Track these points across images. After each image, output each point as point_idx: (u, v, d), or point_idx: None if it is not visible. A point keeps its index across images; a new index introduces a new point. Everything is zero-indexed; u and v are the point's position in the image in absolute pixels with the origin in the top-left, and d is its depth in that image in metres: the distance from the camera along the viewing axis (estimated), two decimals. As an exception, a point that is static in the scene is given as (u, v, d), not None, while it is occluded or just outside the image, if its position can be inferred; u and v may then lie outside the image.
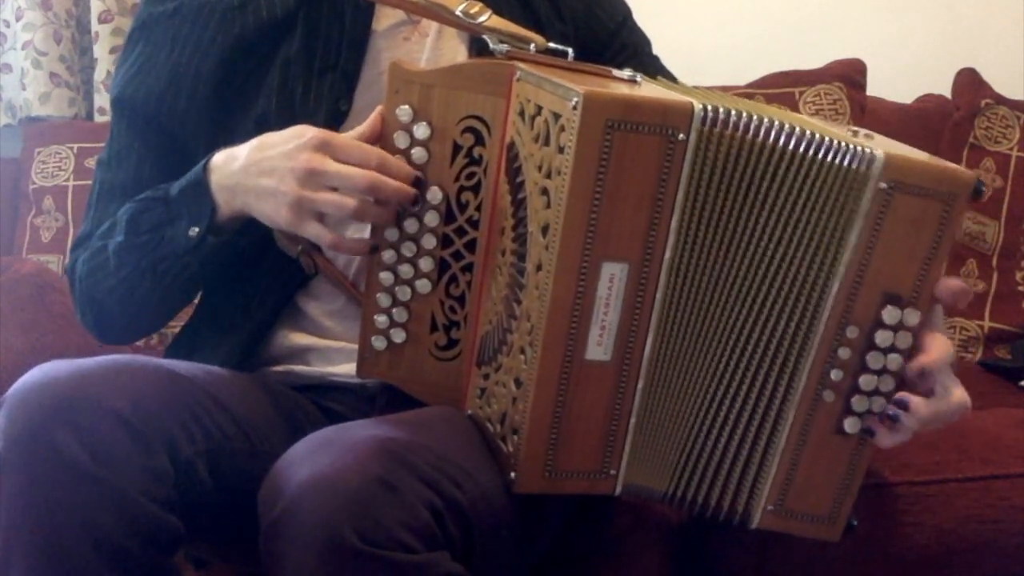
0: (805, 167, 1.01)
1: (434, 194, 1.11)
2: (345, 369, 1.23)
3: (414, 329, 1.15)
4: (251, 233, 1.17)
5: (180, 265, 1.16)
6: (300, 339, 1.25)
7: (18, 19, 2.11)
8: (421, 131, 1.10)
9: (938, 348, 1.04)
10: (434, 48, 1.25)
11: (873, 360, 1.05)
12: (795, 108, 2.00)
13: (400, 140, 1.10)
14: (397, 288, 1.14)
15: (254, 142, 1.11)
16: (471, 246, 1.12)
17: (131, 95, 1.26)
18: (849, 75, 2.05)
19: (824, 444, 1.08)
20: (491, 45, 1.13)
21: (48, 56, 2.11)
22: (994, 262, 2.00)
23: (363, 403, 1.24)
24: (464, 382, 1.15)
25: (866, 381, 1.06)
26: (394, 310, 1.15)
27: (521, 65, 1.08)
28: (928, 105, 2.11)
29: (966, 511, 1.30)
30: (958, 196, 1.02)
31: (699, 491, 1.10)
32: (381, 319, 1.15)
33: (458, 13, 1.17)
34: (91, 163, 1.93)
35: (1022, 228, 2.00)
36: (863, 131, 1.10)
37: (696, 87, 1.19)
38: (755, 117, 1.01)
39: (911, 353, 1.05)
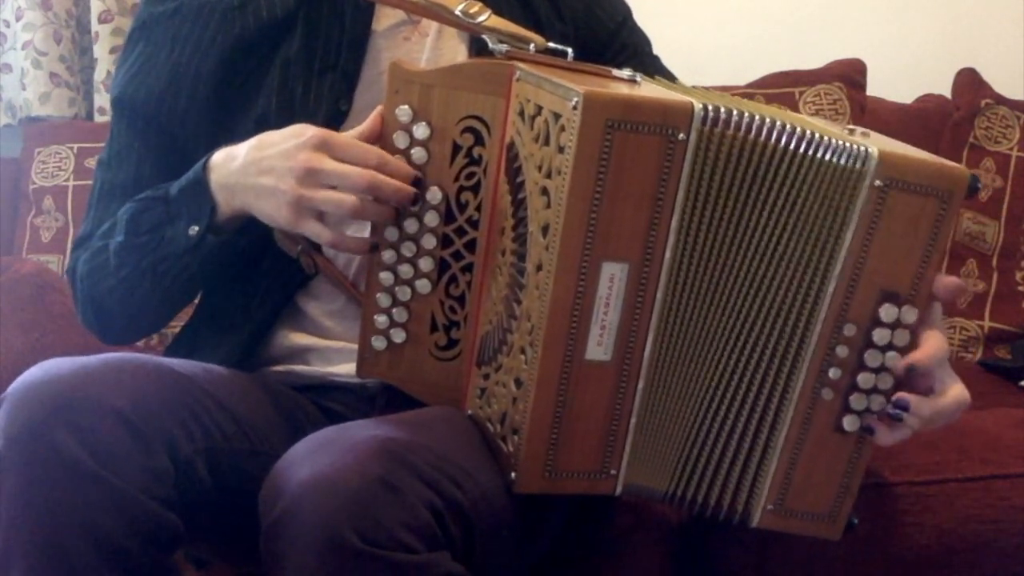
0: (803, 166, 1.02)
1: (434, 194, 1.11)
2: (345, 369, 1.23)
3: (414, 329, 1.15)
4: (251, 232, 1.17)
5: (180, 265, 1.16)
6: (300, 339, 1.25)
7: (18, 19, 2.11)
8: (421, 131, 1.10)
9: (931, 345, 1.04)
10: (434, 48, 1.25)
11: (871, 358, 1.05)
12: (795, 108, 2.00)
13: (400, 140, 1.10)
14: (397, 288, 1.14)
15: (253, 141, 1.11)
16: (471, 246, 1.12)
17: (131, 95, 1.26)
18: (849, 75, 2.05)
19: (823, 442, 1.08)
20: (491, 45, 1.13)
21: (48, 56, 2.11)
22: (994, 262, 2.00)
23: (363, 403, 1.24)
24: (464, 382, 1.15)
25: (864, 379, 1.06)
26: (394, 310, 1.15)
27: (521, 65, 1.08)
28: (928, 105, 2.11)
29: (966, 511, 1.30)
30: (954, 193, 1.02)
31: (699, 490, 1.10)
32: (381, 319, 1.15)
33: (458, 13, 1.17)
34: (91, 163, 1.93)
35: (1022, 228, 2.00)
36: (860, 129, 1.10)
37: (696, 87, 1.19)
38: (755, 117, 1.01)
39: (909, 351, 1.05)
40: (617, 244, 0.99)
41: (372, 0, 1.22)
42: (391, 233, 1.12)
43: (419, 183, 1.09)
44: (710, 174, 1.00)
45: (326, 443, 0.99)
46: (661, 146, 0.98)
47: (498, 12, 1.18)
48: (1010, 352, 1.95)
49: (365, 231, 1.14)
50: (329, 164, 1.06)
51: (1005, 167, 2.02)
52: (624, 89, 1.02)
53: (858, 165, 1.01)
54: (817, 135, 1.02)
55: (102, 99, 2.12)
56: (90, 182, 1.33)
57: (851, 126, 1.13)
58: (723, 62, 2.19)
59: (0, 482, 0.96)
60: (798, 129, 1.01)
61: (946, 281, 1.05)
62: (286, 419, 1.19)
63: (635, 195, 0.99)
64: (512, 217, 1.06)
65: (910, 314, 1.04)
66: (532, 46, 1.14)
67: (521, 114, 1.06)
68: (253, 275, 1.24)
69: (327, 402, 1.26)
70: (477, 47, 1.23)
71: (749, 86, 2.04)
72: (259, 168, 1.09)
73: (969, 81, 2.09)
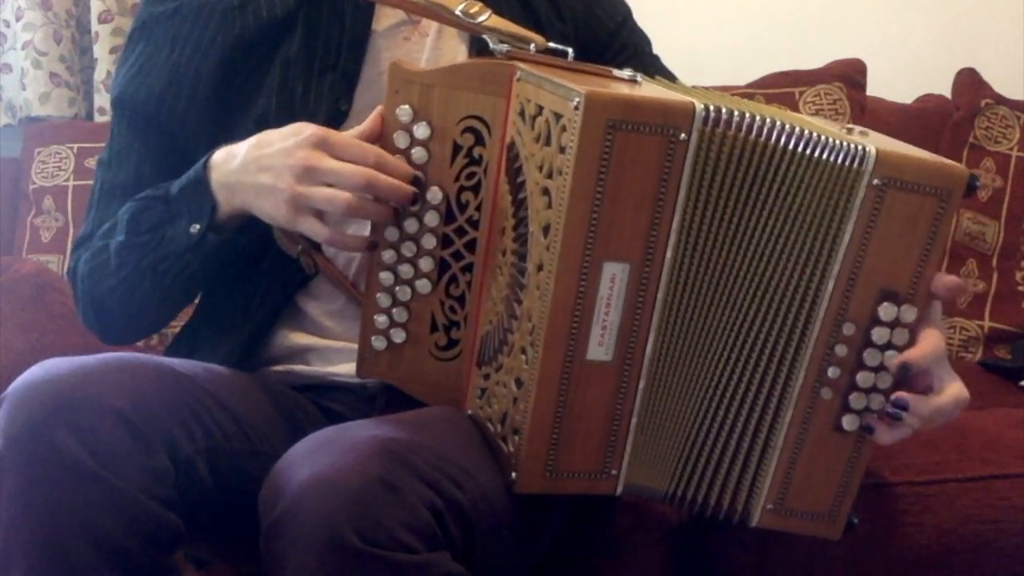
0: (803, 165, 1.02)
1: (434, 194, 1.11)
2: (345, 369, 1.23)
3: (414, 329, 1.15)
4: (251, 232, 1.17)
5: (181, 264, 1.16)
6: (300, 339, 1.25)
7: (18, 19, 2.11)
8: (421, 131, 1.10)
9: (927, 343, 1.04)
10: (434, 48, 1.25)
11: (870, 357, 1.05)
12: (795, 108, 2.00)
13: (400, 140, 1.10)
14: (397, 288, 1.14)
15: (253, 140, 1.11)
16: (471, 246, 1.12)
17: (131, 95, 1.26)
18: (849, 75, 2.05)
19: (823, 442, 1.08)
20: (491, 45, 1.13)
21: (48, 56, 2.10)
22: (994, 262, 2.00)
23: (363, 403, 1.24)
24: (464, 382, 1.15)
25: (863, 378, 1.06)
26: (394, 310, 1.15)
27: (521, 65, 1.08)
28: (928, 105, 2.11)
29: (966, 511, 1.30)
30: (953, 192, 1.02)
31: (699, 490, 1.10)
32: (381, 319, 1.15)
33: (458, 13, 1.17)
34: (91, 163, 1.93)
35: (1022, 228, 2.00)
36: (858, 128, 1.10)
37: (696, 87, 1.19)
38: (755, 117, 1.01)
39: (908, 350, 1.05)
40: (618, 244, 0.99)
41: (372, 0, 1.22)
42: (391, 233, 1.12)
43: (419, 183, 1.09)
44: (711, 174, 1.00)
45: (326, 443, 0.99)
46: (662, 146, 0.98)
47: (498, 12, 1.18)
48: (1010, 352, 1.95)
49: (365, 230, 1.14)
50: (327, 162, 1.06)
51: (1005, 167, 2.02)
52: (625, 89, 1.02)
53: (856, 164, 1.01)
54: (816, 135, 1.02)
55: (102, 99, 2.12)
56: (90, 182, 1.33)
57: (849, 125, 1.13)
58: (723, 62, 2.19)
59: (0, 482, 0.95)
60: (796, 129, 1.02)
61: (945, 280, 1.05)
62: (286, 419, 1.19)
63: (636, 195, 0.99)
64: (513, 217, 1.06)
65: (909, 313, 1.04)
66: (532, 46, 1.14)
67: (522, 114, 1.06)
68: (253, 275, 1.24)
69: (327, 402, 1.26)
70: (477, 47, 1.23)
71: (749, 86, 2.04)
72: (258, 166, 1.09)
73: (969, 81, 2.09)
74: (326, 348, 1.25)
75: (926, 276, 1.04)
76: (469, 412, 1.14)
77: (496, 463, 1.07)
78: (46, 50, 2.10)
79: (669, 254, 1.01)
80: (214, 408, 1.08)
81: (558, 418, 1.03)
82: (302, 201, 1.06)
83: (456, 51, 1.26)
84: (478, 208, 1.11)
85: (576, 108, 0.96)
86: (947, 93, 2.12)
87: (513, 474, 1.05)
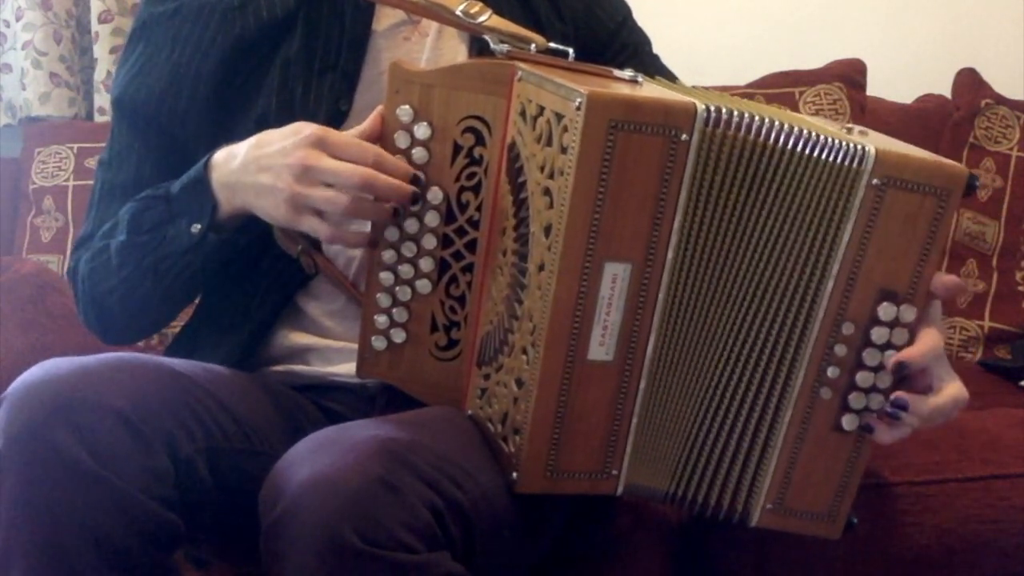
0: (802, 165, 1.02)
1: (434, 194, 1.11)
2: (345, 369, 1.23)
3: (414, 329, 1.15)
4: (251, 231, 1.17)
5: (182, 264, 1.16)
6: (300, 339, 1.25)
7: (18, 19, 2.11)
8: (421, 131, 1.10)
9: (924, 342, 1.04)
10: (434, 48, 1.25)
11: (869, 357, 1.05)
12: (795, 108, 2.00)
13: (400, 140, 1.10)
14: (397, 288, 1.14)
15: (253, 140, 1.11)
16: (471, 246, 1.12)
17: (132, 96, 1.26)
18: (849, 75, 2.05)
19: (822, 442, 1.08)
20: (492, 45, 1.13)
21: (48, 56, 2.10)
22: (994, 262, 2.00)
23: (363, 403, 1.24)
24: (464, 382, 1.15)
25: (863, 378, 1.06)
26: (394, 310, 1.15)
27: (522, 65, 1.08)
28: (928, 105, 2.11)
29: (966, 511, 1.30)
30: (952, 191, 1.02)
31: (699, 490, 1.10)
32: (381, 319, 1.15)
33: (458, 13, 1.17)
34: (91, 163, 1.93)
35: (1022, 228, 2.00)
36: (858, 128, 1.10)
37: (696, 87, 1.19)
38: (755, 117, 1.01)
39: None
40: (620, 244, 0.99)
41: (372, 0, 1.22)
42: (391, 233, 1.12)
43: (419, 182, 1.09)
44: (712, 174, 1.00)
45: (326, 443, 0.99)
46: (664, 146, 0.98)
47: (498, 12, 1.18)
48: (1010, 352, 1.96)
49: (367, 227, 1.14)
50: (325, 161, 1.06)
51: (1005, 167, 2.02)
52: (626, 90, 1.02)
53: (856, 164, 1.01)
54: (816, 134, 1.02)
55: (102, 99, 2.12)
56: (90, 182, 1.33)
57: (849, 124, 1.13)
58: (723, 62, 2.19)
59: (0, 482, 0.95)
60: (796, 129, 1.02)
61: (945, 279, 1.05)
62: (286, 419, 1.19)
63: (638, 195, 0.99)
64: (513, 217, 1.06)
65: (908, 312, 1.04)
66: (533, 46, 1.14)
67: (523, 114, 1.06)
68: (253, 275, 1.24)
69: (327, 402, 1.26)
70: (477, 47, 1.23)
71: (749, 86, 2.04)
72: (258, 166, 1.09)
73: (969, 81, 2.09)
74: (326, 348, 1.25)
75: (925, 276, 1.04)
76: (469, 412, 1.14)
77: (496, 463, 1.07)
78: (46, 50, 2.10)
79: (670, 254, 1.01)
80: (214, 408, 1.08)
81: (559, 418, 1.03)
82: (301, 201, 1.07)
83: (456, 51, 1.26)
84: (478, 208, 1.11)
85: (578, 108, 0.96)
86: (947, 93, 2.12)
87: (514, 474, 1.05)
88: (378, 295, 1.14)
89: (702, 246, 1.02)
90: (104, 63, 2.11)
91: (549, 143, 1.00)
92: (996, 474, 1.32)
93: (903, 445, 1.08)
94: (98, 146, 1.92)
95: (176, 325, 1.35)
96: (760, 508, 1.10)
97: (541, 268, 1.01)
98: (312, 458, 0.97)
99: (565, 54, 1.14)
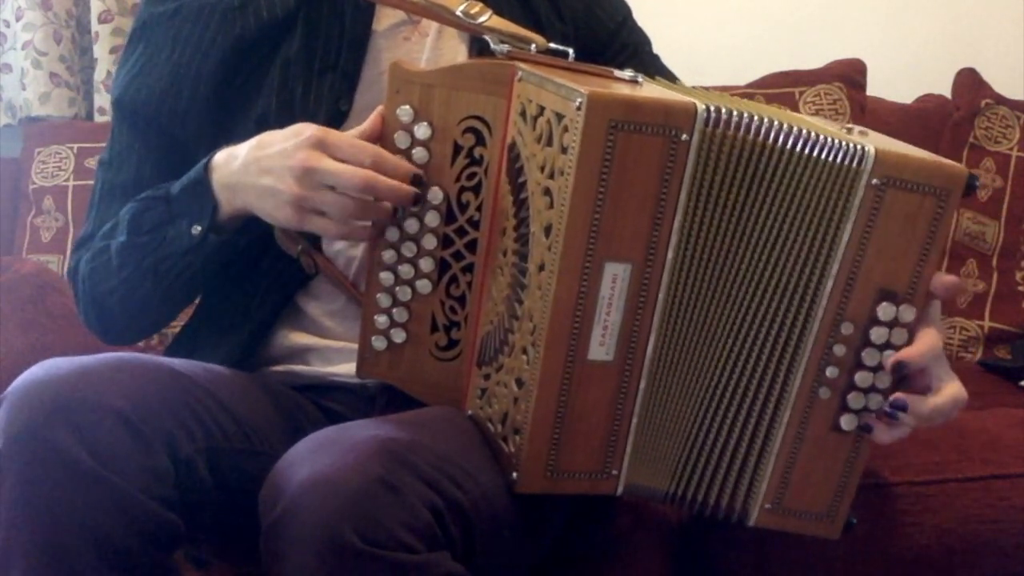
0: (802, 165, 1.02)
1: (435, 194, 1.11)
2: (345, 369, 1.23)
3: (414, 329, 1.15)
4: (251, 232, 1.17)
5: (182, 264, 1.16)
6: (300, 339, 1.25)
7: (18, 19, 2.11)
8: (422, 131, 1.10)
9: (923, 342, 1.04)
10: (434, 48, 1.25)
11: (869, 357, 1.05)
12: (795, 108, 2.00)
13: (401, 140, 1.10)
14: (397, 288, 1.14)
15: (253, 141, 1.11)
16: (472, 246, 1.12)
17: (132, 96, 1.26)
18: (849, 75, 2.05)
19: (821, 441, 1.08)
20: (492, 45, 1.13)
21: (48, 56, 2.10)
22: (994, 262, 2.00)
23: (363, 403, 1.24)
24: (464, 382, 1.15)
25: (862, 378, 1.06)
26: (394, 310, 1.15)
27: (522, 65, 1.08)
28: (928, 105, 2.12)
29: (966, 511, 1.30)
30: (952, 191, 1.02)
31: (699, 490, 1.10)
32: (381, 319, 1.15)
33: (458, 13, 1.17)
34: (91, 163, 1.93)
35: (1022, 228, 2.00)
36: (858, 128, 1.10)
37: (696, 87, 1.19)
38: (755, 117, 1.01)
39: None
40: (620, 244, 0.99)
41: (372, 0, 1.22)
42: (392, 233, 1.12)
43: (419, 182, 1.09)
44: (712, 174, 1.00)
45: (326, 443, 0.99)
46: (664, 147, 0.98)
47: (498, 12, 1.18)
48: (1010, 352, 1.96)
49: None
50: (326, 163, 1.06)
51: (1005, 167, 2.02)
52: (626, 90, 1.02)
53: (855, 164, 1.01)
54: (816, 134, 1.02)
55: (102, 99, 2.12)
56: (90, 182, 1.33)
57: (848, 125, 1.13)
58: (723, 62, 2.19)
59: (0, 482, 0.95)
60: (796, 129, 1.02)
61: (944, 279, 1.05)
62: (286, 419, 1.19)
63: (638, 195, 0.99)
64: (514, 217, 1.06)
65: (908, 312, 1.04)
66: (533, 46, 1.14)
67: (523, 114, 1.06)
68: (253, 275, 1.24)
69: (327, 402, 1.26)
70: (478, 47, 1.23)
71: (749, 86, 2.04)
72: (259, 168, 1.09)
73: (969, 81, 2.09)
74: (326, 348, 1.25)
75: (925, 276, 1.04)
76: (469, 412, 1.14)
77: (496, 463, 1.07)
78: (46, 50, 2.10)
79: (670, 254, 1.01)
80: (214, 408, 1.08)
81: (559, 418, 1.03)
82: (304, 203, 1.07)
83: (456, 51, 1.26)
84: (479, 208, 1.11)
85: (578, 108, 0.96)
86: (947, 93, 2.12)
87: (514, 474, 1.05)
88: (378, 295, 1.14)
89: (702, 246, 1.02)
90: (104, 63, 2.11)
91: (549, 143, 1.00)
92: (996, 474, 1.32)
93: (903, 445, 1.08)
94: (98, 146, 1.92)
95: (176, 325, 1.35)
96: (759, 508, 1.10)
97: (541, 268, 1.01)
98: (312, 458, 0.97)
99: (565, 54, 1.14)
